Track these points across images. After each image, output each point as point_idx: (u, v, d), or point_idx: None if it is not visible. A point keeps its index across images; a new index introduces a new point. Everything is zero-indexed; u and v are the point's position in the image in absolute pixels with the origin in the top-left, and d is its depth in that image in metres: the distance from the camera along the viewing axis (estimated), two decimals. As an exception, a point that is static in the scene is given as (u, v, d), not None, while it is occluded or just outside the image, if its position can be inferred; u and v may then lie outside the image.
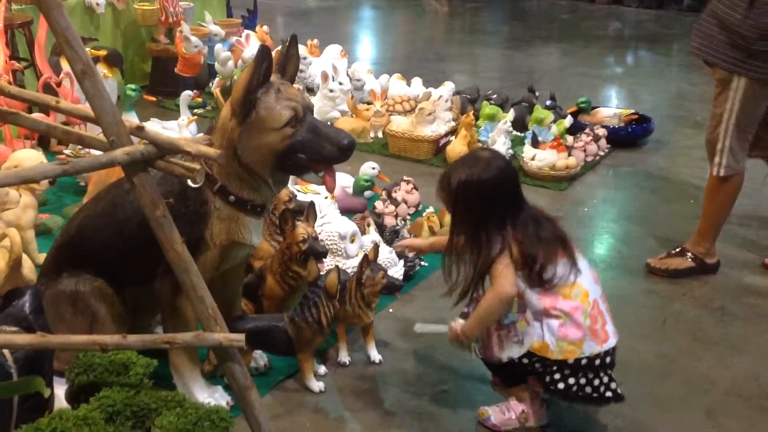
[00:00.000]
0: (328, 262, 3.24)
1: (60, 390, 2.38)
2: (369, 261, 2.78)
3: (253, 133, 2.33)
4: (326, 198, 3.77)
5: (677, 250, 3.70)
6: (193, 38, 5.61)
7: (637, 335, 3.15)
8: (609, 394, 2.45)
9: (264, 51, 2.29)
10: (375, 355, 2.88)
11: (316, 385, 2.70)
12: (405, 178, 4.12)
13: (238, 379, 2.25)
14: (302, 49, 6.16)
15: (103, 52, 4.85)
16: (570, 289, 2.42)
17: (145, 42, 6.17)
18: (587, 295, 2.44)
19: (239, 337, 2.20)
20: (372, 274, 2.76)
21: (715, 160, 3.50)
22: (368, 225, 3.55)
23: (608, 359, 2.44)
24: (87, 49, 4.46)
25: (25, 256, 2.98)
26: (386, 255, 3.31)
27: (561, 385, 2.42)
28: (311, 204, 2.94)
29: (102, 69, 4.79)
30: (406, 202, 4.02)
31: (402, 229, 3.50)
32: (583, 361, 2.41)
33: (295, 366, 2.75)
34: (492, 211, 2.43)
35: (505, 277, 2.40)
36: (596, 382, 2.43)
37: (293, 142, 2.34)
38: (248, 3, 7.44)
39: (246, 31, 6.19)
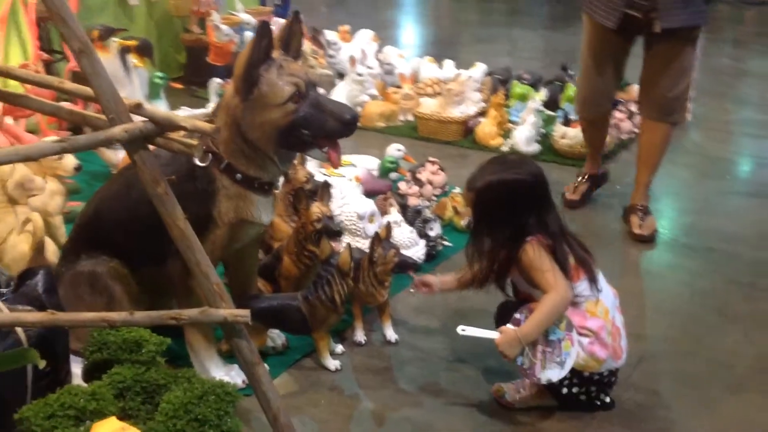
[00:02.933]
0: (348, 242, 3.24)
1: (77, 369, 2.43)
2: (381, 239, 2.76)
3: (255, 110, 2.33)
4: (350, 180, 3.78)
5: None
6: (224, 27, 5.65)
7: (663, 311, 3.10)
8: (598, 402, 2.49)
9: (264, 27, 2.29)
10: (391, 335, 2.87)
11: (332, 364, 2.70)
12: (430, 159, 4.09)
13: (245, 355, 2.25)
14: (334, 35, 6.17)
15: (134, 42, 4.90)
16: (594, 306, 2.43)
17: (179, 33, 6.22)
18: (608, 312, 2.45)
19: (244, 313, 2.20)
20: (384, 252, 2.75)
21: (689, 107, 3.74)
22: (390, 205, 3.53)
23: (613, 378, 2.49)
24: (116, 39, 4.60)
25: (48, 240, 3.03)
26: (407, 234, 3.30)
27: (564, 390, 2.44)
28: (325, 183, 2.94)
29: (132, 59, 4.85)
30: (431, 183, 4.00)
31: (424, 210, 3.48)
32: (595, 377, 2.44)
33: (312, 345, 2.75)
34: (518, 215, 2.40)
35: (561, 278, 2.36)
36: (593, 393, 2.47)
37: (296, 117, 2.34)
38: (282, -9, 7.47)
39: (276, 19, 6.21)
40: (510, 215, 2.41)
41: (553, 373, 2.37)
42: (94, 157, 3.99)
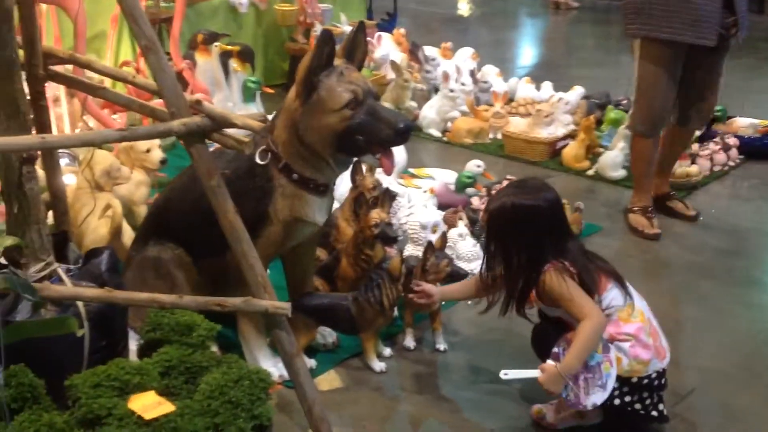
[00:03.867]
0: (410, 252, 3.31)
1: (135, 346, 2.58)
2: (434, 249, 2.81)
3: (313, 114, 2.43)
4: (425, 192, 3.84)
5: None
6: (326, 37, 5.82)
7: (726, 345, 3.02)
8: (655, 413, 2.43)
9: (325, 35, 2.40)
10: (440, 343, 2.91)
11: (378, 365, 2.76)
12: (507, 177, 4.11)
13: (285, 346, 2.35)
14: (434, 51, 6.25)
15: (236, 48, 5.14)
16: (626, 311, 2.41)
17: (285, 41, 6.45)
18: (642, 313, 2.43)
19: (285, 306, 2.30)
20: (436, 261, 2.79)
21: None
22: (459, 219, 3.57)
23: (663, 380, 2.43)
24: (218, 44, 4.82)
25: (126, 226, 3.22)
26: (470, 248, 3.34)
27: (617, 401, 2.39)
28: (387, 191, 3.01)
29: (233, 63, 5.09)
30: (506, 201, 4.00)
31: (491, 225, 3.50)
32: (644, 381, 2.39)
33: (361, 346, 2.82)
34: (531, 240, 2.41)
35: (591, 304, 2.36)
36: (647, 401, 2.41)
37: (351, 124, 2.42)
38: (390, 7, 7.63)
39: (378, 33, 6.34)
40: (522, 240, 2.41)
41: (597, 397, 2.35)
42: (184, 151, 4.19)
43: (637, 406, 2.41)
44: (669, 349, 2.46)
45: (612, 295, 2.40)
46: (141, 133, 2.11)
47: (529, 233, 2.41)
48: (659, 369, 2.41)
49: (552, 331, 2.49)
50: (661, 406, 2.43)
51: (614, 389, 2.37)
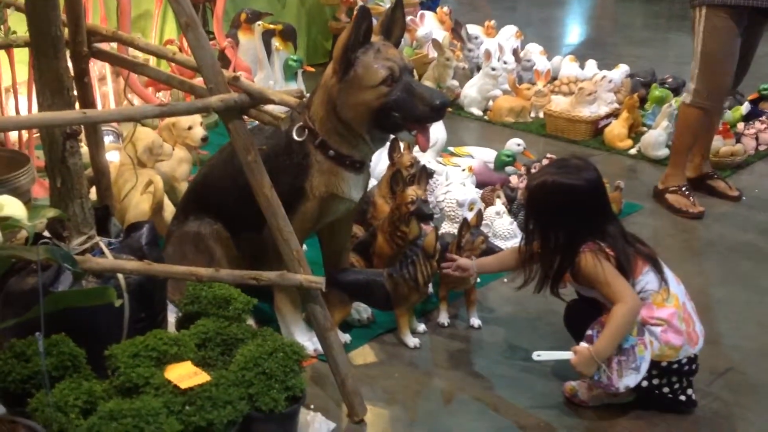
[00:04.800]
0: (446, 229, 3.32)
1: (173, 318, 2.64)
2: (469, 226, 2.82)
3: (350, 90, 2.45)
4: (463, 170, 3.84)
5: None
6: (368, 16, 5.81)
7: (765, 324, 3.00)
8: (683, 398, 2.44)
9: (363, 12, 2.41)
10: (474, 320, 2.92)
11: (412, 341, 2.78)
12: (548, 155, 4.08)
13: (320, 320, 2.39)
14: (477, 29, 6.21)
15: (279, 27, 5.17)
16: (661, 296, 2.40)
17: (328, 20, 6.46)
18: (677, 298, 2.42)
19: (319, 280, 2.34)
20: (471, 238, 2.80)
21: None
22: (497, 197, 3.57)
23: (694, 366, 2.44)
24: (260, 23, 4.86)
25: (167, 202, 3.28)
26: (506, 226, 3.34)
27: (645, 383, 2.40)
28: (423, 168, 3.03)
29: (276, 42, 5.12)
30: (546, 179, 3.99)
31: (530, 203, 3.49)
32: (674, 366, 2.40)
33: (396, 323, 2.84)
34: (570, 219, 2.40)
35: (626, 288, 2.35)
36: (676, 385, 2.42)
37: (387, 100, 2.44)
38: (435, -15, 7.58)
39: (421, 11, 6.32)
40: (560, 219, 2.41)
41: (630, 380, 2.36)
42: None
43: (666, 389, 2.42)
44: (703, 335, 2.45)
45: (647, 279, 2.39)
46: (180, 108, 2.16)
47: (568, 213, 2.40)
48: (690, 354, 2.41)
49: (586, 310, 2.49)
50: (689, 391, 2.44)
51: (661, 381, 2.40)
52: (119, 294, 2.36)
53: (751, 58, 3.96)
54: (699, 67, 3.79)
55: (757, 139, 4.70)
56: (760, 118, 4.85)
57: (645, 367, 2.36)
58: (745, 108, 4.96)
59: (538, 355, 2.46)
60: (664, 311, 2.38)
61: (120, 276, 2.38)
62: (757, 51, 3.97)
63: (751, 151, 4.62)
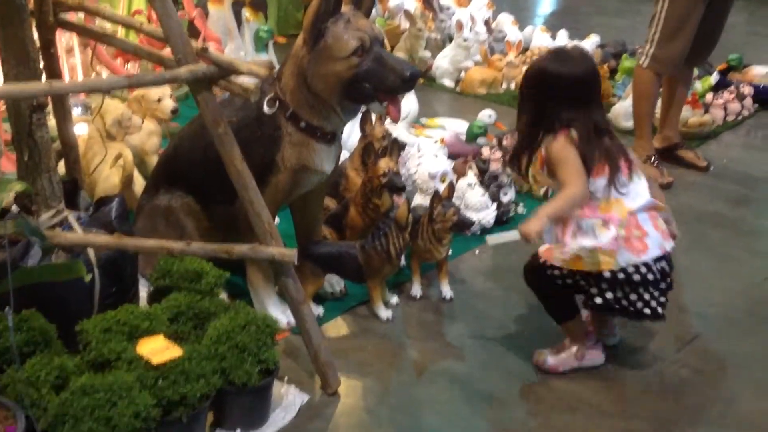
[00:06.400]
0: (419, 202, 3.32)
1: (145, 292, 2.63)
2: (441, 198, 2.82)
3: (321, 61, 2.43)
4: (435, 142, 3.84)
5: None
6: (339, -14, 5.76)
7: (733, 292, 3.04)
8: (647, 311, 2.44)
9: (333, -18, 2.38)
10: (446, 291, 2.94)
11: (384, 313, 2.79)
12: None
13: (292, 293, 2.39)
14: (450, 1, 6.19)
15: (248, -3, 5.11)
16: (609, 204, 2.42)
17: (299, -9, 6.40)
18: (625, 208, 2.42)
19: (291, 253, 2.34)
20: (443, 210, 2.80)
21: None
22: (469, 168, 3.58)
23: (650, 276, 2.41)
24: (230, -8, 4.79)
25: (137, 175, 3.25)
26: (478, 197, 3.34)
27: (599, 300, 2.46)
28: (395, 140, 3.02)
29: (246, 13, 5.06)
30: (517, 151, 4.00)
31: (501, 175, 3.50)
32: (620, 275, 2.41)
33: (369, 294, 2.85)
34: (554, 104, 2.46)
35: (580, 177, 2.41)
36: (633, 296, 2.43)
37: (358, 71, 2.42)
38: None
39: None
40: (546, 103, 2.47)
41: (585, 240, 2.40)
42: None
43: (624, 302, 2.44)
44: (662, 249, 2.43)
45: (597, 185, 2.42)
46: (148, 79, 2.13)
47: (553, 98, 2.46)
48: (635, 263, 2.39)
49: (541, 269, 2.53)
50: (654, 303, 2.44)
51: (590, 287, 2.45)
52: (89, 269, 2.35)
53: (720, 29, 4.00)
54: (660, 32, 3.85)
55: (725, 109, 4.75)
56: (729, 89, 4.90)
57: (604, 239, 2.38)
58: (714, 78, 5.01)
59: (492, 239, 2.56)
60: (605, 215, 2.42)
61: (90, 250, 2.36)
62: (726, 22, 4.00)
63: (719, 122, 4.68)
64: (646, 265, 2.41)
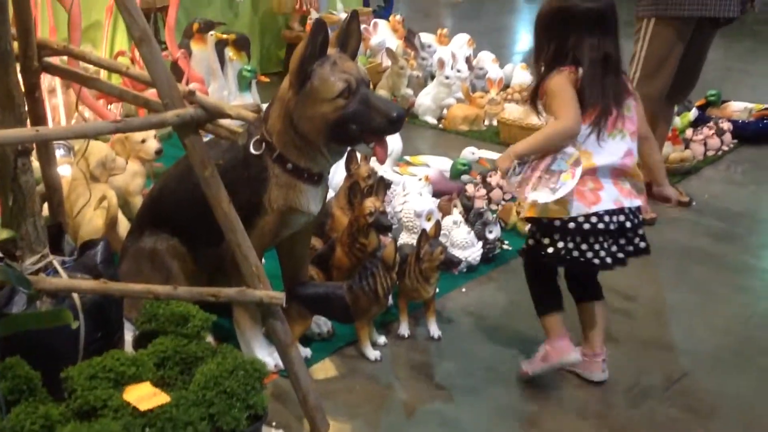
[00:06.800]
0: (405, 240, 3.32)
1: (131, 336, 2.60)
2: (428, 237, 2.83)
3: (307, 103, 2.43)
4: (420, 180, 3.85)
5: None
6: (321, 25, 5.80)
7: (719, 329, 3.04)
8: (596, 261, 2.48)
9: (319, 24, 2.39)
10: (434, 331, 2.93)
11: (372, 354, 2.78)
12: (507, 157, 4.10)
13: (280, 336, 2.37)
14: (430, 38, 6.25)
15: (232, 36, 5.12)
16: (576, 155, 2.45)
17: (281, 29, 6.44)
18: (592, 162, 2.45)
19: (279, 296, 2.32)
20: (430, 249, 2.80)
21: None
22: (454, 206, 3.59)
23: (601, 225, 2.45)
24: (213, 32, 4.82)
25: (121, 217, 3.24)
26: (464, 235, 3.34)
27: (550, 249, 2.52)
28: (381, 179, 3.02)
29: (229, 52, 5.08)
30: (501, 188, 4.02)
31: (486, 212, 3.51)
32: (570, 225, 2.45)
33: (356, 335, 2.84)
34: (562, 37, 2.51)
35: (572, 112, 2.45)
36: (584, 246, 2.47)
37: (345, 113, 2.43)
38: (387, -7, 7.63)
39: (374, 20, 6.34)
40: (563, 37, 2.51)
41: (541, 195, 2.42)
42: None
43: (575, 253, 2.48)
44: (613, 203, 2.46)
45: (582, 130, 2.45)
46: (135, 124, 2.12)
47: (568, 32, 2.50)
48: (585, 213, 2.43)
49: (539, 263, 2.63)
50: (603, 254, 2.48)
51: (542, 238, 2.52)
52: (75, 314, 2.32)
53: (701, 66, 4.06)
54: (640, 71, 3.91)
55: (705, 144, 4.80)
56: (708, 124, 4.97)
57: (561, 192, 2.40)
58: (693, 114, 5.08)
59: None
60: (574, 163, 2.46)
61: (75, 296, 2.34)
62: (705, 60, 4.06)
63: (700, 157, 4.72)
64: (597, 215, 2.44)
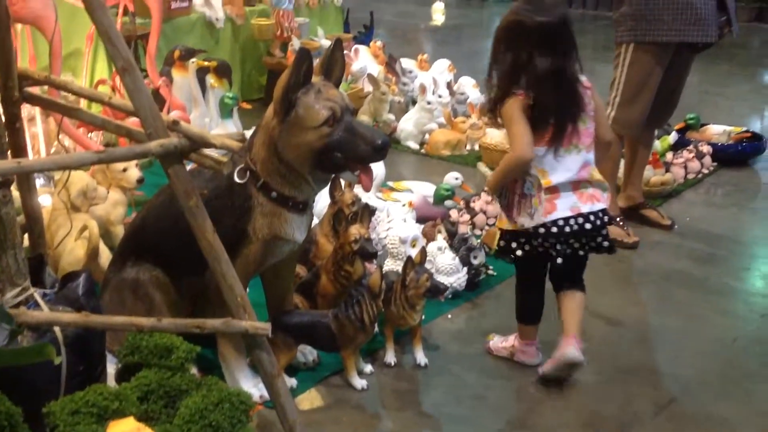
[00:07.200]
0: (389, 267, 3.31)
1: (114, 369, 2.56)
2: (414, 263, 2.82)
3: (292, 131, 2.43)
4: (404, 205, 3.84)
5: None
6: (302, 51, 5.80)
7: (704, 353, 3.04)
8: (559, 260, 2.70)
9: (303, 53, 2.39)
10: (421, 358, 2.91)
11: (359, 383, 2.75)
12: (486, 188, 4.12)
13: (266, 367, 2.34)
14: (411, 64, 6.27)
15: (213, 64, 5.11)
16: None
17: (262, 56, 6.43)
18: (547, 183, 2.65)
19: (265, 326, 2.29)
20: (416, 276, 2.79)
21: None
22: (438, 232, 3.58)
23: (554, 229, 2.66)
24: (194, 60, 4.81)
25: (103, 247, 3.20)
26: (449, 261, 3.33)
27: (519, 252, 2.76)
28: (366, 206, 3.01)
29: (210, 79, 5.07)
30: (485, 213, 4.02)
31: (470, 238, 3.51)
32: (531, 231, 2.69)
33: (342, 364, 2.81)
34: (513, 53, 2.62)
35: (521, 141, 2.61)
36: (546, 245, 2.69)
37: (329, 141, 2.42)
38: (367, 19, 7.65)
39: (355, 45, 6.35)
40: (508, 48, 2.63)
41: (525, 221, 2.68)
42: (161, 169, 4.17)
43: (540, 250, 2.71)
44: (569, 210, 2.65)
45: (537, 152, 2.61)
46: (118, 155, 2.10)
47: (523, 47, 2.61)
48: (543, 222, 2.65)
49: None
50: (561, 251, 2.68)
51: (510, 242, 2.77)
52: (56, 348, 2.28)
53: (680, 91, 4.10)
54: (620, 96, 3.94)
55: (685, 167, 4.83)
56: (688, 147, 5.00)
57: (537, 217, 2.64)
58: (672, 137, 5.11)
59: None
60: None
61: (57, 329, 2.30)
62: (684, 85, 4.10)
63: (680, 180, 4.75)
64: (553, 222, 2.65)
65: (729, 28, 3.92)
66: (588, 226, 2.67)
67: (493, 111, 2.73)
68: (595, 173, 2.72)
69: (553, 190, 2.64)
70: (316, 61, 2.53)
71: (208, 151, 2.22)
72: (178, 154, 2.16)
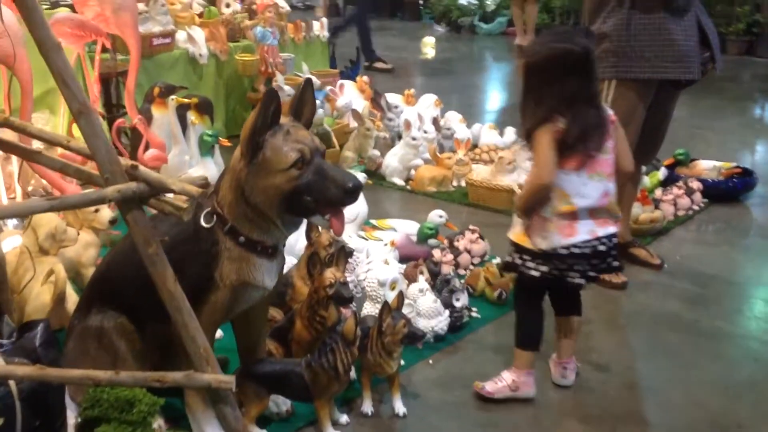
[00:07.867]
0: (368, 310, 3.20)
1: (73, 420, 2.44)
2: (390, 309, 2.71)
3: (260, 174, 2.33)
4: (386, 245, 3.74)
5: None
6: (287, 87, 5.75)
7: (695, 401, 2.93)
8: (573, 280, 2.74)
9: (271, 94, 2.30)
10: (399, 407, 2.79)
11: (333, 434, 2.64)
12: (470, 227, 4.02)
13: (230, 422, 2.24)
14: (398, 99, 6.23)
15: (194, 100, 5.03)
16: (560, 196, 2.67)
17: (247, 91, 6.38)
18: (570, 209, 2.67)
19: (229, 380, 2.19)
20: (393, 322, 2.69)
21: None
22: (420, 273, 3.47)
23: (575, 250, 2.68)
24: (174, 97, 4.73)
25: (70, 292, 3.09)
26: (430, 304, 3.22)
27: (536, 273, 2.75)
28: (341, 248, 2.91)
29: (191, 116, 4.98)
30: (469, 252, 3.93)
31: (453, 279, 3.41)
32: (551, 253, 2.70)
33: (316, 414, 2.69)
34: (545, 85, 2.65)
35: (545, 169, 2.63)
36: (563, 267, 2.71)
37: (299, 183, 2.33)
38: (353, 54, 7.62)
39: (341, 81, 6.30)
40: (550, 78, 2.65)
41: (541, 243, 2.71)
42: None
43: (555, 272, 2.73)
44: (589, 234, 2.68)
45: (561, 179, 2.64)
46: (71, 202, 2.01)
47: (537, 82, 2.69)
48: (564, 245, 2.67)
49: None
50: (578, 273, 2.73)
51: (526, 261, 2.77)
52: (10, 402, 2.18)
53: (666, 126, 4.02)
54: None
55: (675, 204, 4.74)
56: (677, 184, 4.92)
57: (553, 241, 2.67)
58: (662, 174, 5.04)
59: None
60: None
61: (12, 384, 2.19)
62: (669, 121, 4.02)
63: (670, 217, 4.65)
64: (574, 245, 2.68)
65: (713, 64, 3.87)
66: (602, 247, 2.73)
67: (527, 138, 2.74)
68: (613, 202, 2.77)
69: (574, 215, 2.68)
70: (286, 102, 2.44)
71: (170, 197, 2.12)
72: (136, 200, 2.07)
